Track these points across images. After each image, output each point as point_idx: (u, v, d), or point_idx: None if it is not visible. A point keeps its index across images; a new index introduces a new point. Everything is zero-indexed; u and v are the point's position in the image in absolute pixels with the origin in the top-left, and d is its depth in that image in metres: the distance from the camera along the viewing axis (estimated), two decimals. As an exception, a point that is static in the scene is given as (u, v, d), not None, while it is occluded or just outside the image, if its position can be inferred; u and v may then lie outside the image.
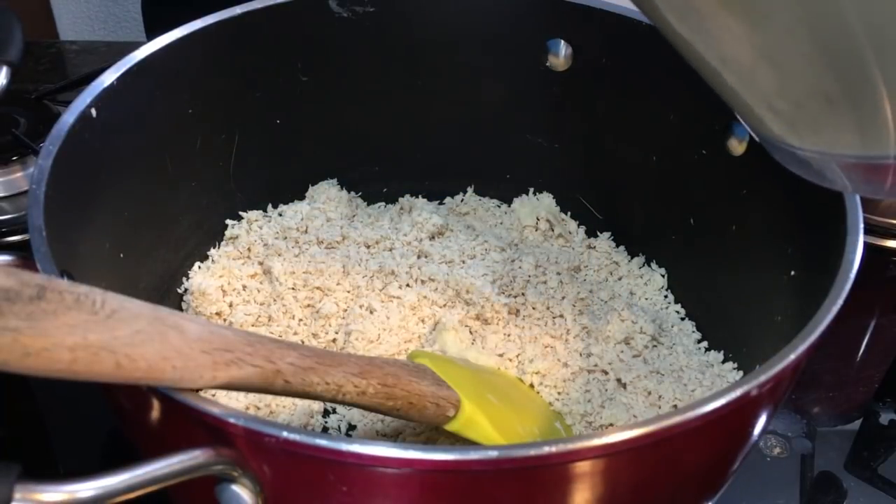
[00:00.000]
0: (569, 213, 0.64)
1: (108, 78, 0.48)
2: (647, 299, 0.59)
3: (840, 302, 0.36)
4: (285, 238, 0.61)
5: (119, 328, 0.28)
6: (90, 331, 0.27)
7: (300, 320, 0.56)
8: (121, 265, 0.49)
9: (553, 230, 0.63)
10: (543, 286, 0.58)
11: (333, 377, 0.35)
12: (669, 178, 0.57)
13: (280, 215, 0.63)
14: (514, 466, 0.30)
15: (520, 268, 0.58)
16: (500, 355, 0.54)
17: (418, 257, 0.59)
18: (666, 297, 0.59)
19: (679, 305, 0.58)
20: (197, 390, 0.31)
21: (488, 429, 0.43)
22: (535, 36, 0.58)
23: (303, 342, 0.56)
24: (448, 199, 0.67)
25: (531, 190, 0.65)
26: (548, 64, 0.59)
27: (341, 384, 0.36)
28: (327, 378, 0.35)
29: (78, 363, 0.27)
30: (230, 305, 0.56)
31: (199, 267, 0.59)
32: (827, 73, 0.29)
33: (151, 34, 0.51)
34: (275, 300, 0.57)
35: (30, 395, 0.58)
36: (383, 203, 0.66)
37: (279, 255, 0.59)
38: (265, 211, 0.63)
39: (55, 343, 0.26)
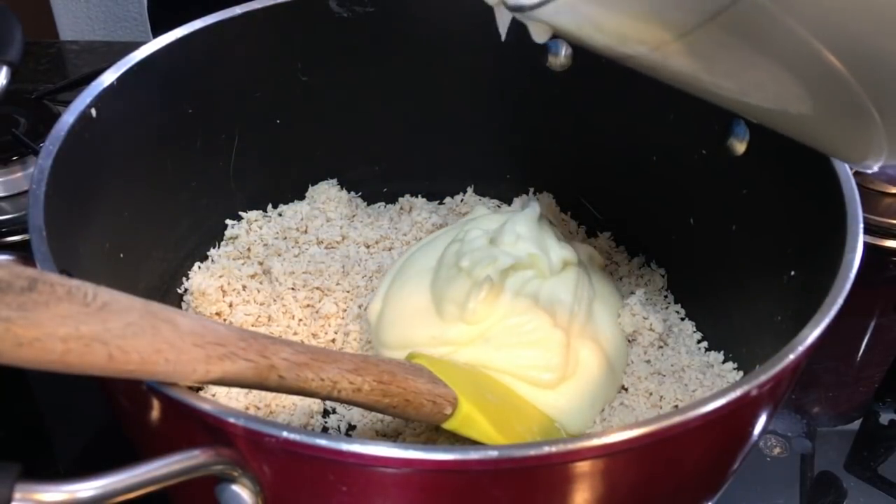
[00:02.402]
0: (569, 213, 0.64)
1: (108, 78, 0.48)
2: (647, 299, 0.59)
3: (840, 302, 0.36)
4: (285, 238, 0.61)
5: (111, 320, 0.28)
6: (82, 322, 0.27)
7: (300, 320, 0.56)
8: (121, 265, 0.49)
9: (553, 230, 0.63)
10: (543, 286, 0.58)
11: (328, 373, 0.35)
12: (669, 178, 0.57)
13: (280, 215, 0.63)
14: (514, 466, 0.30)
15: (520, 268, 0.58)
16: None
17: (418, 257, 0.59)
18: (666, 297, 0.59)
19: (679, 305, 0.58)
20: (197, 389, 0.31)
21: (486, 426, 0.43)
22: (535, 36, 0.58)
23: (302, 342, 0.56)
24: (448, 199, 0.67)
25: (531, 190, 0.65)
26: (548, 64, 0.59)
27: (336, 380, 0.36)
28: (322, 374, 0.35)
29: (70, 354, 0.27)
30: (230, 305, 0.56)
31: (199, 267, 0.59)
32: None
33: (157, 35, 0.51)
34: (274, 300, 0.57)
35: (29, 395, 0.58)
36: (383, 203, 0.66)
37: (279, 255, 0.59)
38: (265, 211, 0.63)
39: (47, 333, 0.26)
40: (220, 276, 0.57)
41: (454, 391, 0.43)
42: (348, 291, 0.57)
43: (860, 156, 0.36)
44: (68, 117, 0.44)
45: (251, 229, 0.61)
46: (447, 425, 0.43)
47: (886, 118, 0.32)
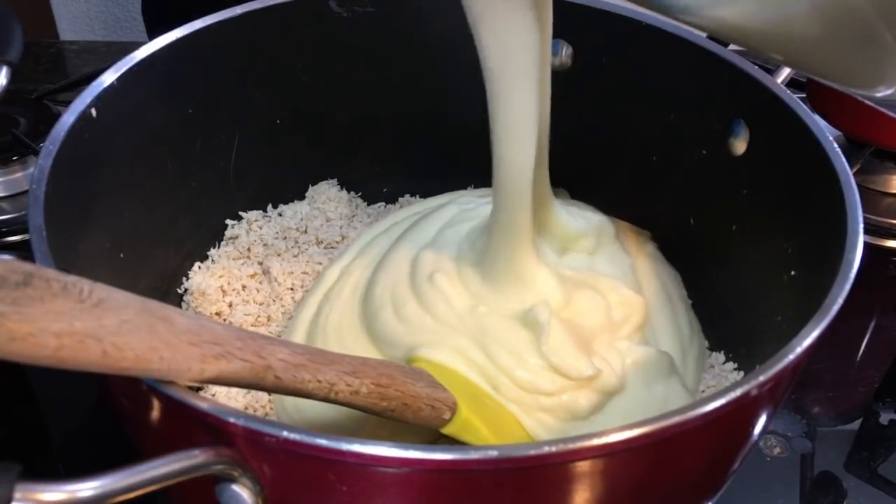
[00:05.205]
0: (569, 213, 0.64)
1: (108, 78, 0.48)
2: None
3: (840, 302, 0.36)
4: (285, 238, 0.61)
5: (106, 317, 0.28)
6: (76, 318, 0.27)
7: (300, 320, 0.56)
8: (121, 265, 0.49)
9: (553, 230, 0.63)
10: (543, 286, 0.58)
11: (325, 375, 0.35)
12: (669, 179, 0.57)
13: (280, 215, 0.63)
14: (514, 466, 0.30)
15: (520, 268, 0.58)
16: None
17: (418, 257, 0.59)
18: (666, 297, 0.59)
19: (679, 305, 0.58)
20: (196, 388, 0.31)
21: (485, 432, 0.43)
22: (535, 36, 0.58)
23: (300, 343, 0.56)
24: (448, 199, 0.66)
25: (531, 190, 0.65)
26: (548, 64, 0.59)
27: (333, 382, 0.36)
28: (319, 376, 0.35)
29: (64, 350, 0.27)
30: (230, 305, 0.56)
31: (199, 267, 0.59)
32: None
33: (152, 36, 0.51)
34: (274, 300, 0.57)
35: (30, 395, 0.58)
36: (383, 203, 0.66)
37: (279, 255, 0.59)
38: (265, 211, 0.63)
39: (41, 328, 0.26)
40: (220, 276, 0.57)
41: (454, 396, 0.43)
42: (348, 291, 0.57)
43: (875, 80, 0.35)
44: (68, 117, 0.44)
45: (251, 229, 0.61)
46: (445, 430, 0.43)
47: None
